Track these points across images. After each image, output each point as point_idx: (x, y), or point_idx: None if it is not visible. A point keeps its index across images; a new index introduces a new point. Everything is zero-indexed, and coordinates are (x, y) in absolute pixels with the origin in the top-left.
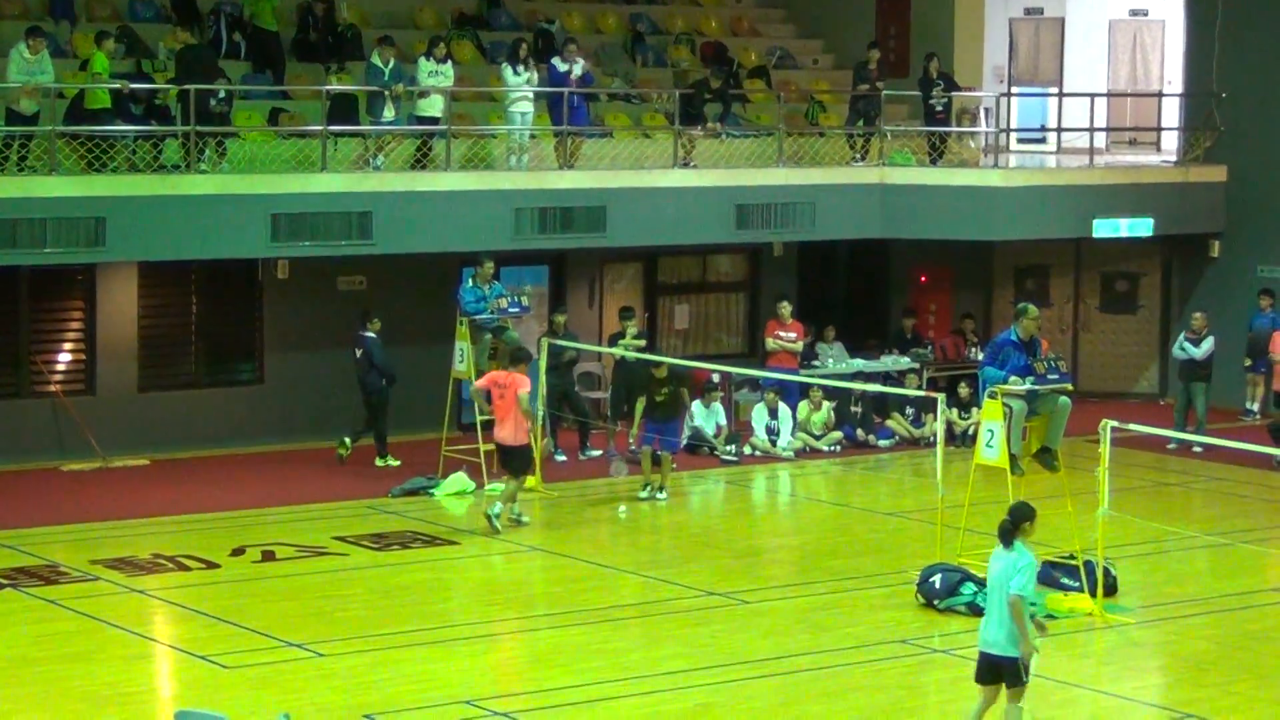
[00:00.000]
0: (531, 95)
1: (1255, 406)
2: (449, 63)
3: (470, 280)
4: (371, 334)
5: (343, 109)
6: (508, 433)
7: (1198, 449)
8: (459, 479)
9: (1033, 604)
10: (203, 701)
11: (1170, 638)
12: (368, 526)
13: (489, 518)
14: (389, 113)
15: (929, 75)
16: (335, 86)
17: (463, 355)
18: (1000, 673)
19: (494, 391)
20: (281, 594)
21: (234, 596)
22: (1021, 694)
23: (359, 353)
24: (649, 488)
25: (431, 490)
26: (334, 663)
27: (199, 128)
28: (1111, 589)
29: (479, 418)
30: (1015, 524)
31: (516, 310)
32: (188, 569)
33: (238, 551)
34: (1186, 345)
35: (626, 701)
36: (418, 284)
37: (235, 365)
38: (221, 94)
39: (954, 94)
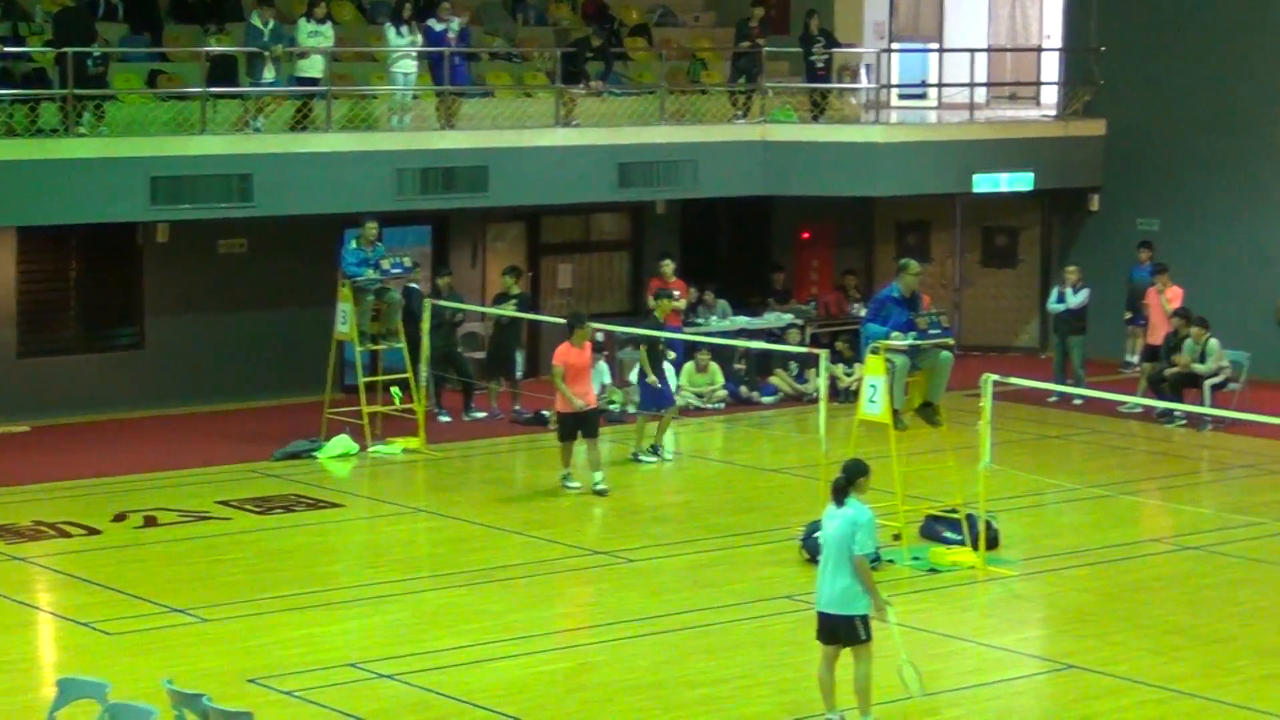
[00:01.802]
0: (414, 55)
1: (1135, 359)
2: (329, 23)
3: (353, 242)
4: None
5: (222, 70)
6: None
7: (1078, 401)
8: (342, 441)
9: (875, 558)
10: (86, 668)
11: (1051, 590)
12: (250, 490)
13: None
14: (269, 74)
15: (810, 32)
16: (214, 48)
17: (345, 317)
18: (837, 633)
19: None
20: (164, 559)
21: (116, 563)
22: (866, 652)
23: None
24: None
25: (314, 453)
26: (217, 627)
27: (77, 91)
28: (993, 542)
29: (361, 379)
30: (850, 480)
31: (399, 271)
32: (69, 535)
33: (119, 517)
34: (1065, 296)
35: (512, 662)
36: (299, 246)
37: (115, 330)
38: (99, 56)
39: (835, 50)
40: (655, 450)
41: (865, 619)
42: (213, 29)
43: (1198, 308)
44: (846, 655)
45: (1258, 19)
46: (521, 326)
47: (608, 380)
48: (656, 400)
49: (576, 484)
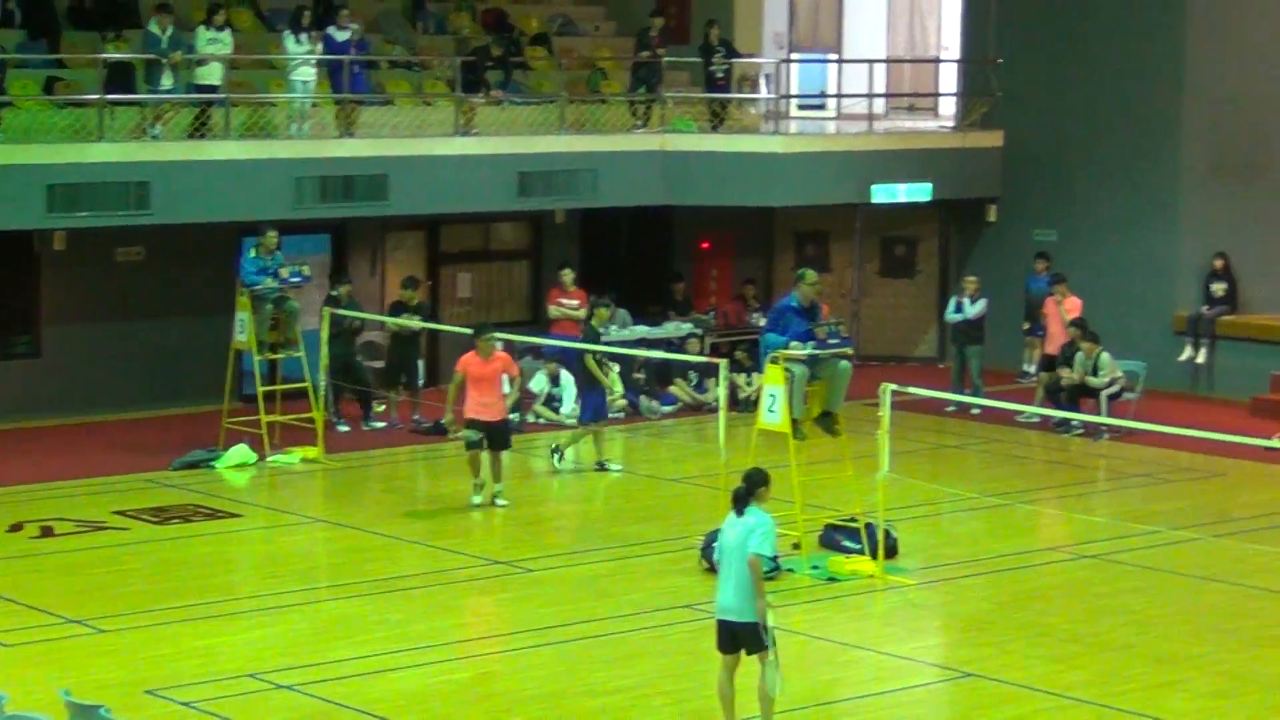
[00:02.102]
0: (313, 63)
1: (1032, 369)
2: (227, 30)
3: (252, 250)
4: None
5: (120, 77)
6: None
7: (975, 411)
8: (240, 451)
9: (772, 568)
10: None
11: (949, 598)
12: (148, 500)
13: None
14: (167, 81)
15: (710, 42)
16: (112, 55)
17: (243, 326)
18: (738, 640)
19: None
20: (61, 570)
21: (12, 573)
22: (768, 656)
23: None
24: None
25: (212, 463)
26: (115, 638)
27: None
28: (892, 551)
29: (260, 388)
30: (750, 490)
31: (298, 280)
32: None
33: (15, 527)
34: (963, 306)
35: (411, 672)
36: (198, 255)
37: (12, 338)
38: None
39: (734, 60)
40: (604, 465)
41: (766, 625)
42: (110, 36)
43: (1094, 318)
44: (749, 665)
45: (1153, 31)
46: (421, 336)
47: (507, 390)
48: (602, 410)
49: (479, 499)
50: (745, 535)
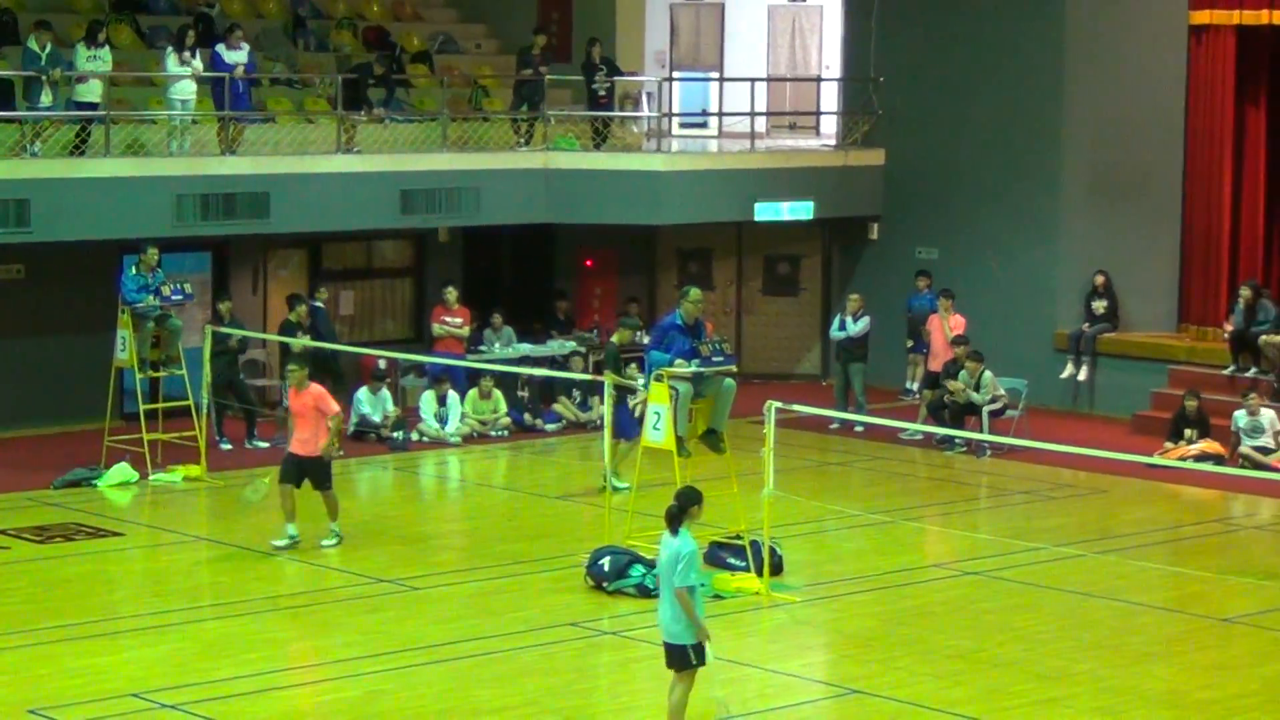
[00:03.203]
0: (194, 80)
1: (915, 386)
2: (107, 48)
3: (133, 268)
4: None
5: None
6: None
7: (859, 428)
8: (122, 469)
9: (702, 584)
10: None
11: (834, 615)
12: (29, 519)
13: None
14: (46, 98)
15: (592, 60)
16: None
17: (124, 344)
18: (671, 660)
19: None
20: None
21: None
22: (690, 676)
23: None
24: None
25: (94, 481)
26: None
27: None
28: (777, 568)
29: (142, 406)
30: (682, 509)
31: (179, 298)
32: None
33: None
34: (846, 324)
35: (296, 690)
36: (78, 272)
37: None
38: None
39: (617, 79)
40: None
41: (699, 647)
42: None
43: (977, 336)
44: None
45: (1033, 50)
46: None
47: (390, 409)
48: (632, 427)
49: (283, 541)
50: (673, 559)
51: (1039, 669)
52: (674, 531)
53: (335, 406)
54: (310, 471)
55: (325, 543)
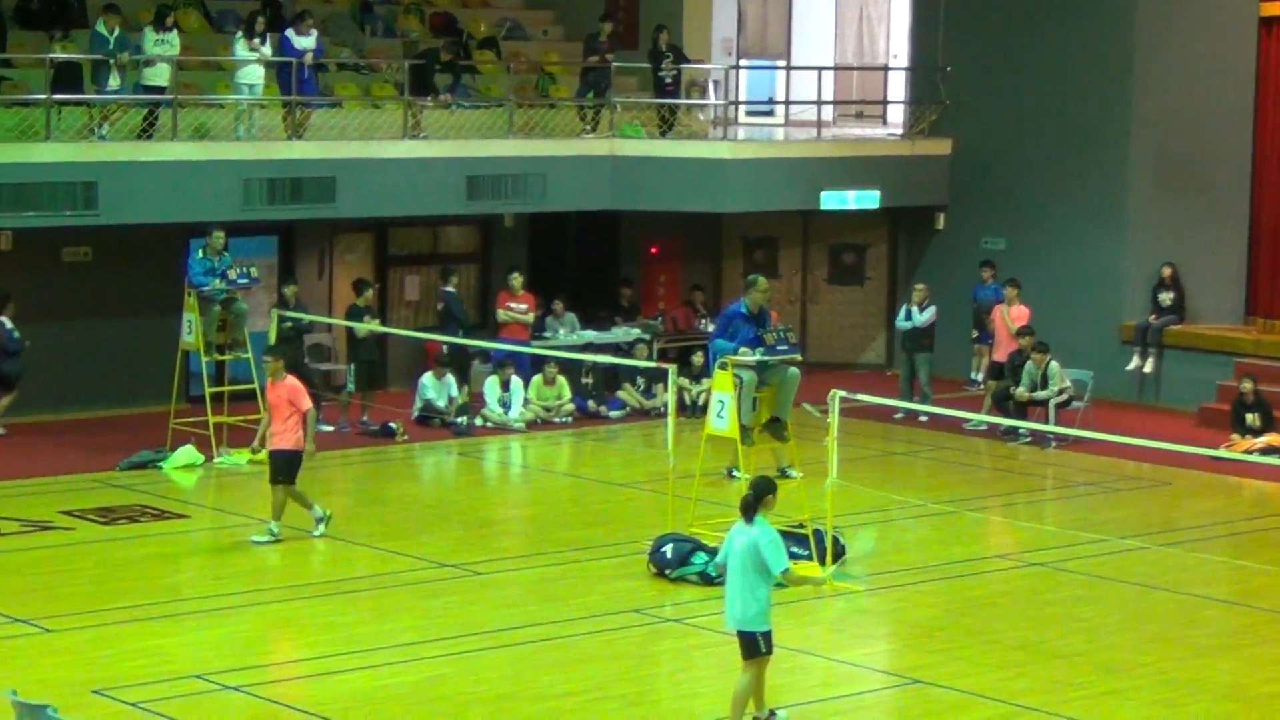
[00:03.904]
0: (261, 65)
1: (980, 376)
2: (175, 31)
3: (200, 252)
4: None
5: (67, 78)
6: None
7: (923, 418)
8: (187, 452)
9: (783, 570)
10: None
11: (897, 605)
12: (94, 500)
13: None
14: (114, 82)
15: (658, 47)
16: (59, 55)
17: (190, 327)
18: (743, 645)
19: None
20: (7, 569)
21: None
22: (756, 665)
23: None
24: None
25: (159, 463)
26: (61, 638)
27: None
28: (840, 557)
29: (207, 389)
30: (758, 498)
31: (245, 282)
32: None
33: None
34: (912, 314)
35: (358, 674)
36: (145, 255)
37: None
38: None
39: (683, 66)
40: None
41: (768, 635)
42: (58, 36)
43: (1042, 327)
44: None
45: (1101, 41)
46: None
47: (455, 393)
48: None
49: (264, 537)
50: (752, 546)
51: (1102, 661)
52: (749, 520)
53: (308, 403)
54: (274, 464)
55: (256, 538)
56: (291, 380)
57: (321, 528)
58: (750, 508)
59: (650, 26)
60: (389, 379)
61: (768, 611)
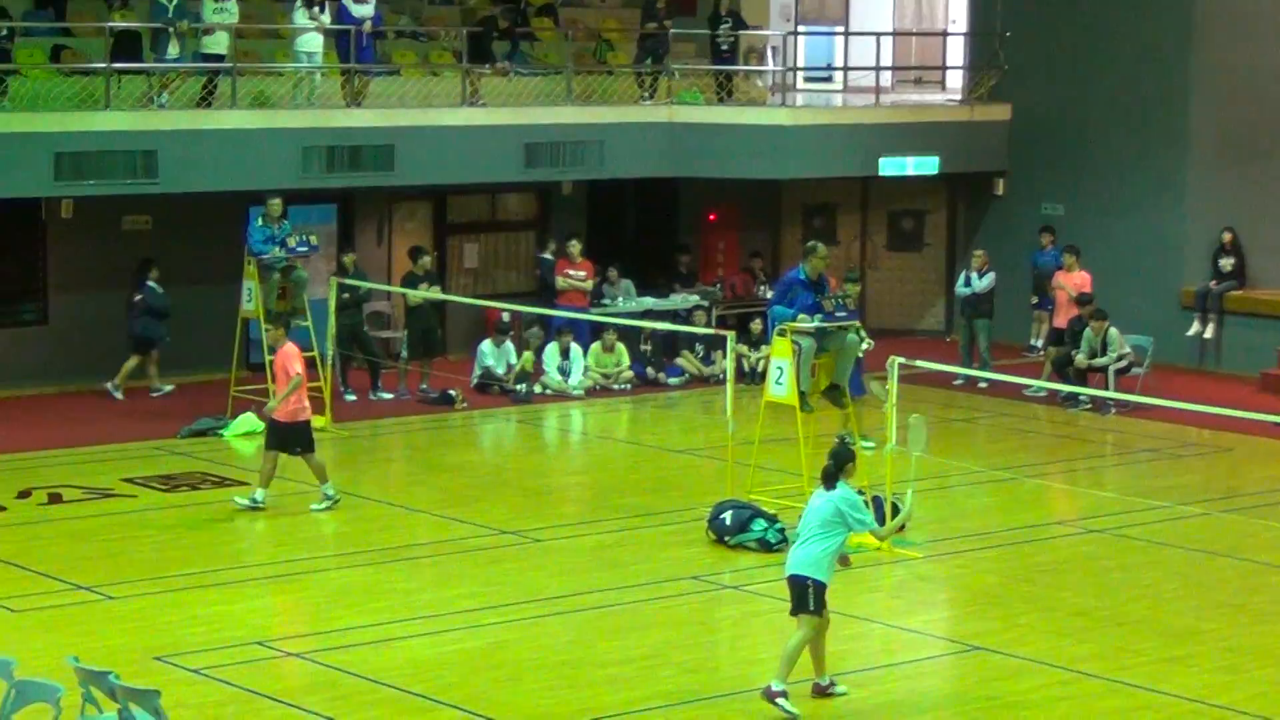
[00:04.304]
0: (320, 34)
1: (1040, 342)
2: (234, 0)
3: (259, 219)
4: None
5: (126, 46)
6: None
7: (983, 385)
8: (248, 419)
9: (871, 528)
10: None
11: (957, 572)
12: (156, 468)
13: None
14: (174, 50)
15: (718, 12)
16: (119, 23)
17: (250, 295)
18: (793, 592)
19: (303, 361)
20: (69, 536)
21: (21, 540)
22: (808, 624)
23: None
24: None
25: (220, 430)
26: (123, 605)
27: None
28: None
29: (268, 357)
30: (838, 466)
31: (304, 250)
32: None
33: (24, 494)
34: (971, 280)
35: (419, 641)
36: (204, 223)
37: (19, 306)
38: (3, 31)
39: (741, 32)
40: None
41: (820, 588)
42: (117, 4)
43: (1102, 293)
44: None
45: (1162, 5)
46: (437, 305)
47: (514, 360)
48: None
49: (245, 501)
50: (830, 504)
51: (1163, 627)
52: (829, 487)
53: (297, 368)
54: (287, 436)
55: (315, 506)
56: (288, 347)
57: (257, 496)
58: (831, 476)
59: None
60: (448, 346)
61: (825, 564)
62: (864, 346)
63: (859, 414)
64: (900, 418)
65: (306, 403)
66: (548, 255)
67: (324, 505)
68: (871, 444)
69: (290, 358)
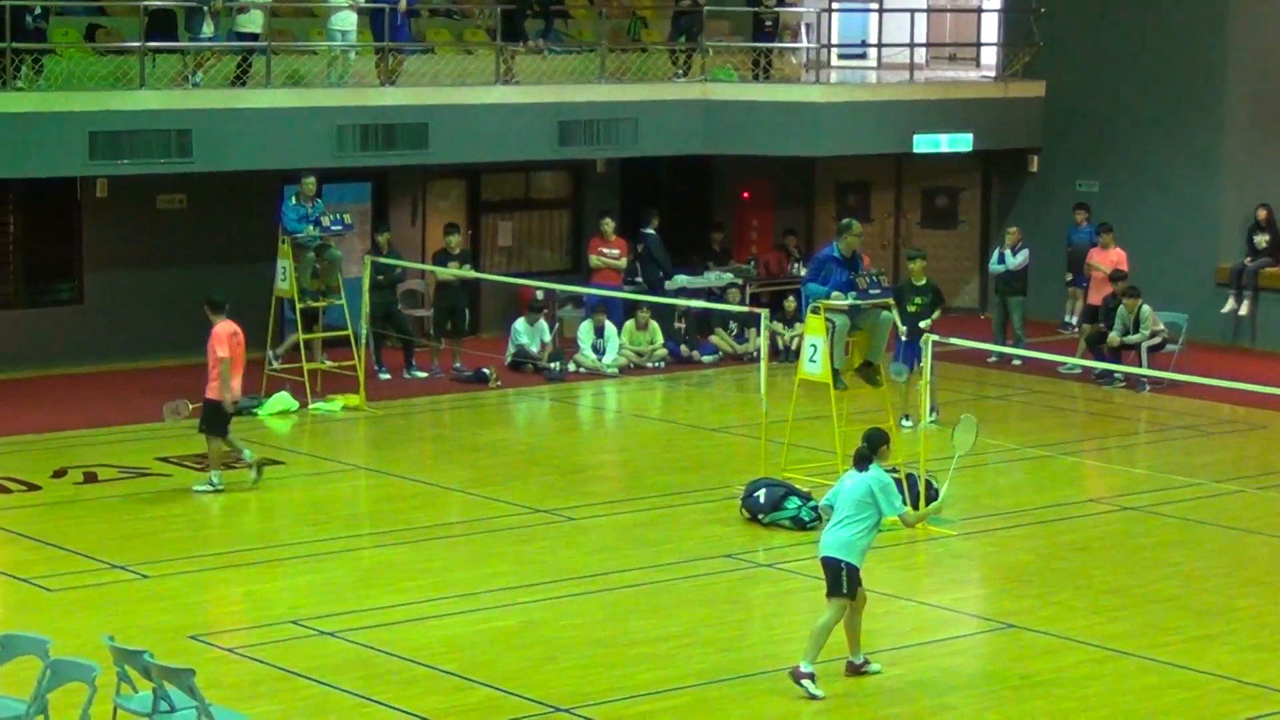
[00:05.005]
0: (354, 12)
1: (1074, 320)
2: None
3: (293, 198)
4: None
5: (161, 25)
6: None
7: (1017, 362)
8: (282, 398)
9: (900, 513)
10: (27, 624)
11: (991, 549)
12: (190, 447)
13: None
14: (208, 29)
15: None
16: (153, 2)
17: (285, 274)
18: (827, 575)
19: (235, 342)
20: (104, 515)
21: (56, 518)
22: (837, 606)
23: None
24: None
25: (255, 410)
26: (158, 584)
27: (15, 44)
28: (933, 501)
29: (301, 336)
30: (873, 449)
31: (338, 228)
32: (9, 491)
33: (59, 473)
34: (1005, 257)
35: (453, 619)
36: (239, 202)
37: (55, 285)
38: (38, 10)
39: (779, 9)
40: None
41: (853, 571)
42: None
43: (1136, 270)
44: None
45: None
46: (466, 283)
47: (548, 339)
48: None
49: (204, 486)
50: (864, 486)
51: (1197, 605)
52: (861, 470)
53: (220, 351)
54: (202, 413)
55: (198, 486)
56: (218, 328)
57: (252, 474)
58: (864, 459)
59: None
60: (481, 325)
61: (860, 548)
62: (932, 316)
63: (907, 390)
64: (933, 396)
65: (229, 384)
66: (650, 230)
67: (204, 488)
68: (909, 423)
69: (217, 339)
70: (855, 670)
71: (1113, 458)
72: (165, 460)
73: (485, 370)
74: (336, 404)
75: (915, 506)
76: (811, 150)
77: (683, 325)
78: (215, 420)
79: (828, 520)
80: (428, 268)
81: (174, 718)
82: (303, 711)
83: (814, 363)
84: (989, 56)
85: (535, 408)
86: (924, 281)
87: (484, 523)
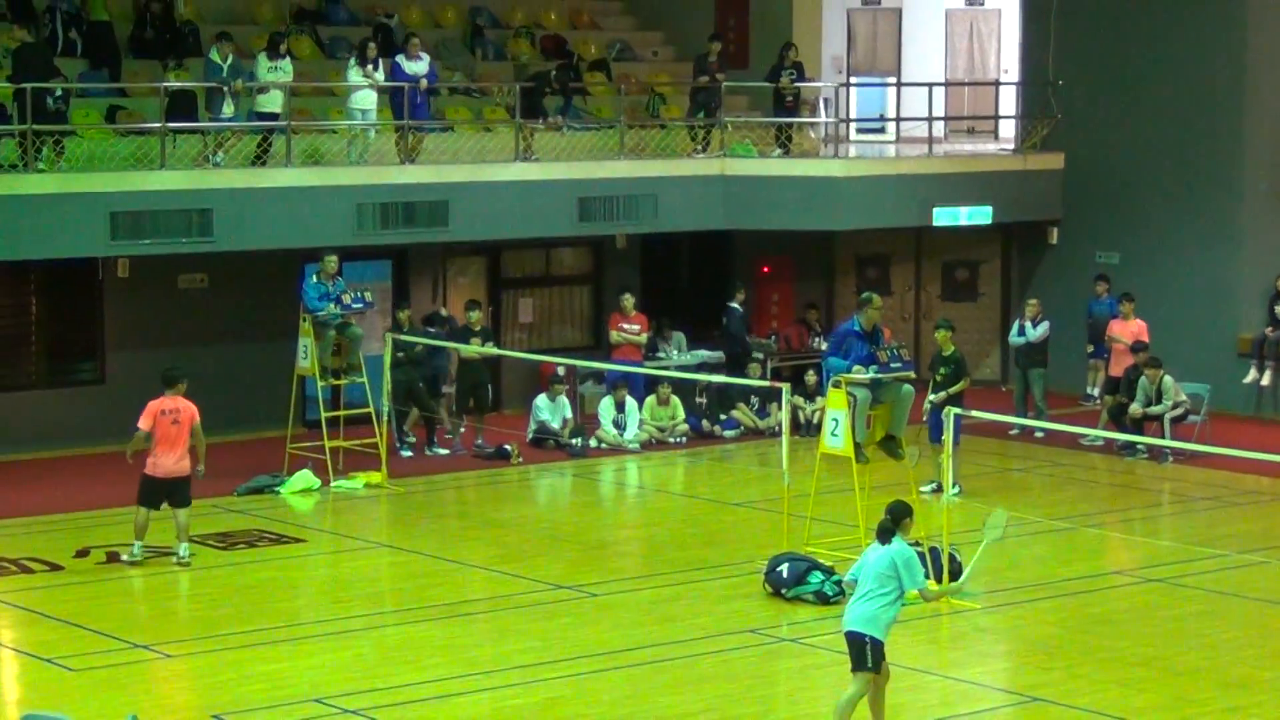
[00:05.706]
0: (374, 91)
1: (1096, 391)
2: (288, 59)
3: (314, 276)
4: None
5: (181, 106)
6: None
7: (1039, 434)
8: (304, 476)
9: (920, 588)
10: (49, 704)
11: (1015, 622)
12: (213, 525)
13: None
14: (228, 109)
15: (783, 63)
16: (173, 83)
17: (306, 352)
18: (852, 650)
19: (164, 419)
20: (127, 595)
21: (79, 598)
22: (863, 680)
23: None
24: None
25: (277, 488)
26: (181, 663)
27: (36, 126)
28: (957, 575)
29: (323, 414)
30: (896, 521)
31: (359, 306)
32: (31, 571)
33: (82, 553)
34: (1025, 329)
35: (476, 697)
36: (260, 281)
37: (76, 365)
38: (59, 92)
39: (799, 85)
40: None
41: (878, 646)
42: (172, 64)
43: (1158, 340)
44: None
45: (1214, 52)
46: (488, 360)
47: (569, 415)
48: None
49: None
50: (887, 559)
51: (1224, 677)
52: (884, 543)
53: (141, 422)
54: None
55: (185, 558)
56: (152, 401)
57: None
58: (888, 532)
59: (759, 45)
60: (503, 401)
61: (884, 622)
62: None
63: (935, 459)
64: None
65: (153, 458)
66: (735, 305)
67: (128, 559)
68: (928, 490)
69: (144, 411)
70: None
71: (1137, 529)
72: (188, 539)
73: (507, 446)
74: (358, 481)
75: (938, 580)
76: (831, 224)
77: (704, 400)
78: (140, 491)
79: (851, 594)
80: (445, 344)
81: None
82: None
83: (836, 436)
84: (1007, 129)
85: (557, 484)
86: (950, 351)
87: (506, 599)
